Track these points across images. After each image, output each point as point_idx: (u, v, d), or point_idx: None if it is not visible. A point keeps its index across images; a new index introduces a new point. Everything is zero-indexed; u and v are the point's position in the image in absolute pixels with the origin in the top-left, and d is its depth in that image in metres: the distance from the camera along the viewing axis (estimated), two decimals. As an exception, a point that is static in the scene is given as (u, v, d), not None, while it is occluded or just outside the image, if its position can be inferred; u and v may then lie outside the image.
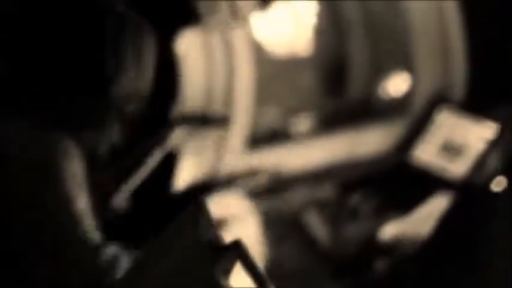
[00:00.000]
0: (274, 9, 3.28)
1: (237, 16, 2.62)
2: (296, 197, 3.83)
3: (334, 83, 4.16)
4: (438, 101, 4.07)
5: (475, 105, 4.00)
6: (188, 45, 3.33)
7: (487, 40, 3.96)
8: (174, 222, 1.56)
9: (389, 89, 3.96)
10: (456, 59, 4.09)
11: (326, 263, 3.31)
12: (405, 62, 4.10)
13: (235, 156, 3.85)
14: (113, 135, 1.82)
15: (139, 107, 1.86)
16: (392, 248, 3.34)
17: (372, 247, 3.35)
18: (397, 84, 3.96)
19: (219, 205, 2.56)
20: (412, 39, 4.07)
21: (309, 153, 4.01)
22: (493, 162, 3.78)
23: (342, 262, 3.28)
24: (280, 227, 3.60)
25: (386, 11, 4.15)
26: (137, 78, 1.80)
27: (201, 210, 1.53)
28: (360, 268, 3.24)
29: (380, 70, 4.15)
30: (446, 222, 3.16)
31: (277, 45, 3.87)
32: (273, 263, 2.76)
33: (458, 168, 3.80)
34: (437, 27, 4.04)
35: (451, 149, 3.86)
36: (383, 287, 3.17)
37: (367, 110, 4.16)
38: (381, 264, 3.26)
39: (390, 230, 3.44)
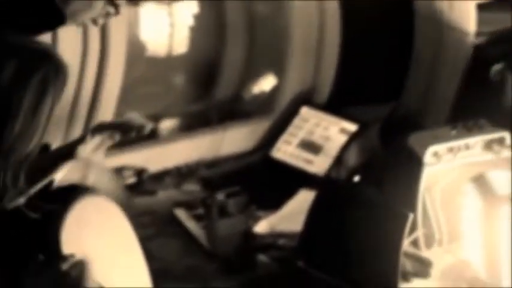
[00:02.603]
0: (152, 8, 3.29)
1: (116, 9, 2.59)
2: (164, 195, 3.86)
3: (204, 86, 4.21)
4: (303, 101, 4.22)
5: (337, 105, 4.17)
6: (64, 43, 3.28)
7: (357, 46, 4.13)
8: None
9: (257, 90, 4.04)
10: (328, 62, 4.24)
11: (211, 260, 3.36)
12: (277, 64, 4.21)
13: (101, 157, 3.81)
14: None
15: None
16: (271, 243, 3.43)
17: (249, 243, 3.42)
18: (265, 85, 4.05)
19: (85, 207, 2.53)
20: (289, 40, 4.17)
21: (173, 153, 4.04)
22: (353, 158, 3.97)
23: (225, 259, 3.33)
24: (154, 224, 3.62)
25: (270, 11, 4.23)
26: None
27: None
28: (244, 264, 3.30)
29: (251, 71, 4.24)
30: (315, 216, 3.25)
31: (153, 44, 3.88)
32: (153, 260, 2.77)
33: (319, 163, 3.97)
34: (317, 29, 4.16)
35: (312, 146, 4.01)
36: (271, 282, 3.24)
37: (233, 110, 4.24)
38: (264, 259, 3.33)
39: (263, 226, 3.53)
